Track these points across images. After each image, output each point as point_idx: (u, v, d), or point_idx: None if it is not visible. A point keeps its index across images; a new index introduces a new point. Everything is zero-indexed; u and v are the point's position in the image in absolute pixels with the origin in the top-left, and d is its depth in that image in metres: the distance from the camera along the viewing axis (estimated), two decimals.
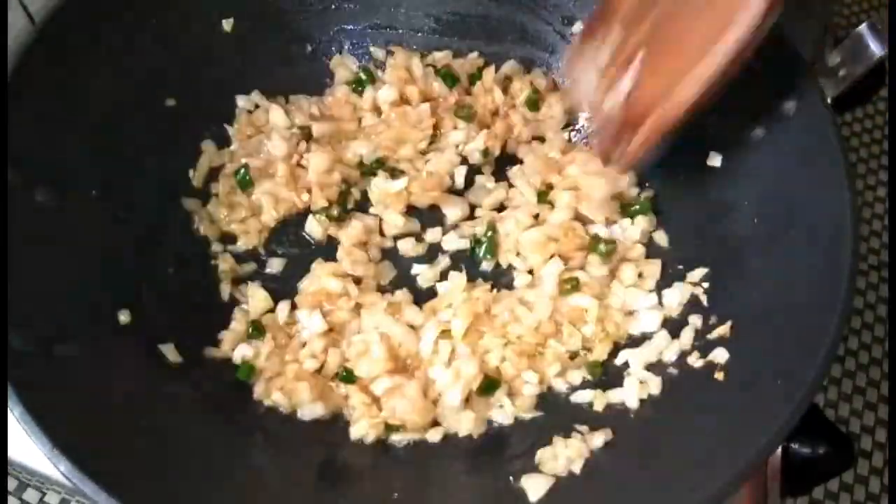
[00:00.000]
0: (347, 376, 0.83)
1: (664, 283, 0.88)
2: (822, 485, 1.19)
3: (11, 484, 1.02)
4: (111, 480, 0.62)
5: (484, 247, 0.91)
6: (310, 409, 0.81)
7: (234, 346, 0.84)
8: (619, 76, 0.77)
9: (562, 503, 0.74)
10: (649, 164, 0.88)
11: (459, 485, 0.79)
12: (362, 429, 0.80)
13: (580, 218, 0.92)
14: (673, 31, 0.73)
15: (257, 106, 0.98)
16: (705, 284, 0.84)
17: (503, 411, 0.82)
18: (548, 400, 0.84)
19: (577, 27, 0.99)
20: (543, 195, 0.93)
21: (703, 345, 0.80)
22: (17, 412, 0.62)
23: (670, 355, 0.82)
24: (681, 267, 0.88)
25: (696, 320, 0.83)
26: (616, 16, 0.78)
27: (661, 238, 0.92)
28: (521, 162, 0.98)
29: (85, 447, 0.64)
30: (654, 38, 0.75)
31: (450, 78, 0.99)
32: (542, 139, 1.00)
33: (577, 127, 1.01)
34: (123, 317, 0.79)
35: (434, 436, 0.80)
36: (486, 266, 0.92)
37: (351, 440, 0.80)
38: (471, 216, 0.95)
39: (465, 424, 0.80)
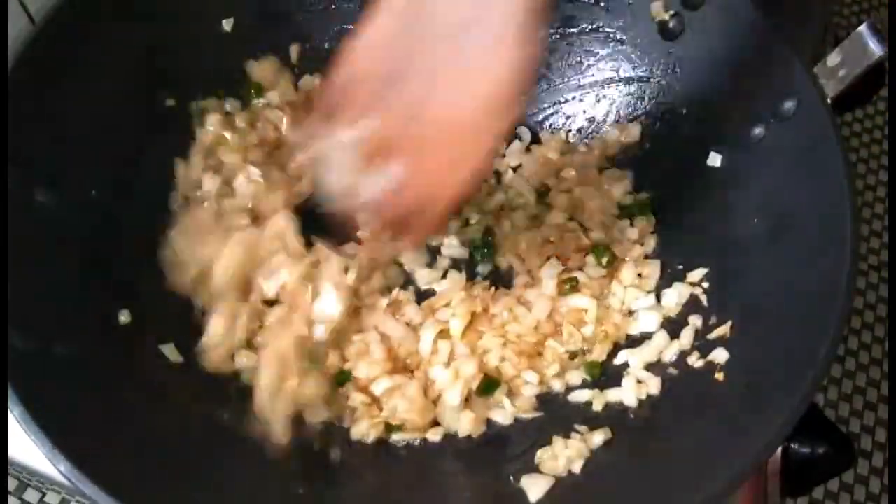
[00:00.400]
0: (344, 376, 0.82)
1: (664, 283, 0.88)
2: (822, 485, 1.19)
3: (11, 484, 1.02)
4: (111, 480, 0.62)
5: (482, 250, 0.91)
6: (316, 413, 0.81)
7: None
8: (375, 170, 0.71)
9: (561, 503, 0.74)
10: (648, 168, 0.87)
11: (459, 485, 0.79)
12: (363, 429, 0.80)
13: (578, 219, 0.92)
14: (419, 120, 0.68)
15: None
16: (705, 284, 0.84)
17: (503, 411, 0.82)
18: (547, 400, 0.84)
19: (577, 28, 0.99)
20: (542, 196, 0.94)
21: (703, 345, 0.80)
22: (17, 412, 0.62)
23: (670, 355, 0.82)
24: (681, 267, 0.88)
25: (696, 320, 0.83)
26: (359, 108, 0.71)
27: (661, 238, 0.92)
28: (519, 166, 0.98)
29: (85, 447, 0.63)
30: (409, 134, 0.69)
31: None
32: (538, 140, 1.00)
33: (576, 128, 1.01)
34: (123, 317, 0.79)
35: (434, 435, 0.80)
36: (484, 268, 0.92)
37: (351, 440, 0.80)
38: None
39: (464, 424, 0.80)
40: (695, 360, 0.80)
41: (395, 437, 0.81)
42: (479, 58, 0.64)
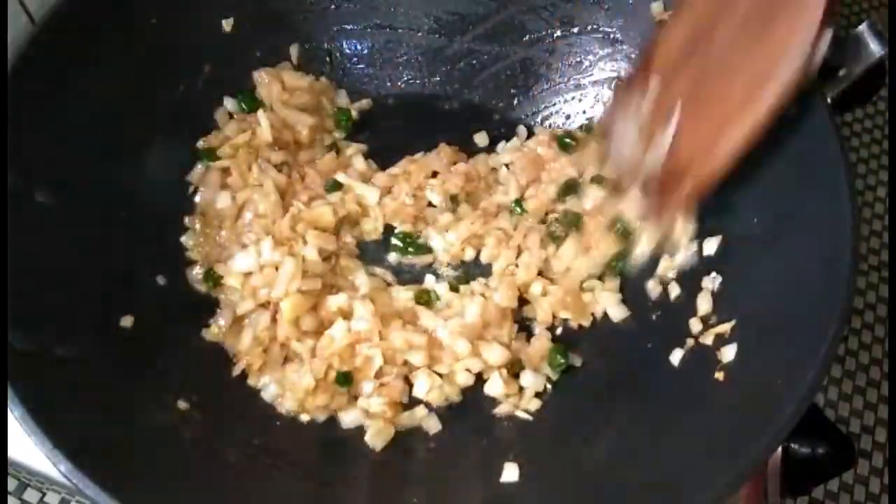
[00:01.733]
0: (344, 378, 0.83)
1: (664, 283, 0.88)
2: (822, 485, 1.19)
3: (11, 484, 1.02)
4: (111, 480, 0.62)
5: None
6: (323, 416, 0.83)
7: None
8: (659, 130, 0.76)
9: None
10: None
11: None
12: (376, 438, 0.81)
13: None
14: (713, 83, 0.73)
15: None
16: (706, 285, 0.84)
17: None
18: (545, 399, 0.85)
19: (577, 28, 0.99)
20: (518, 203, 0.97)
21: (703, 345, 0.80)
22: (17, 412, 0.62)
23: (671, 355, 0.82)
24: (681, 268, 0.88)
25: (696, 320, 0.83)
26: (653, 67, 0.77)
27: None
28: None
29: (85, 447, 0.63)
30: (693, 90, 0.74)
31: None
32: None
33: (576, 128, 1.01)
34: (125, 321, 0.79)
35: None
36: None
37: (345, 440, 0.81)
38: None
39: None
40: (695, 360, 0.80)
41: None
42: (777, 22, 0.68)
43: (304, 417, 0.82)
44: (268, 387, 0.83)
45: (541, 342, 0.88)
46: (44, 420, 0.62)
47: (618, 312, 0.89)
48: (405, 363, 0.84)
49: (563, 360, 0.86)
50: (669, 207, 0.78)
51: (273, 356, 0.84)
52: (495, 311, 0.87)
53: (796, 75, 0.68)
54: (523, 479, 0.77)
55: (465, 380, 0.84)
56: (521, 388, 0.85)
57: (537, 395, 0.85)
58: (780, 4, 0.68)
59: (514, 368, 0.86)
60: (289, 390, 0.82)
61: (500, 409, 0.84)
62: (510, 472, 0.77)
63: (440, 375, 0.84)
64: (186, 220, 0.91)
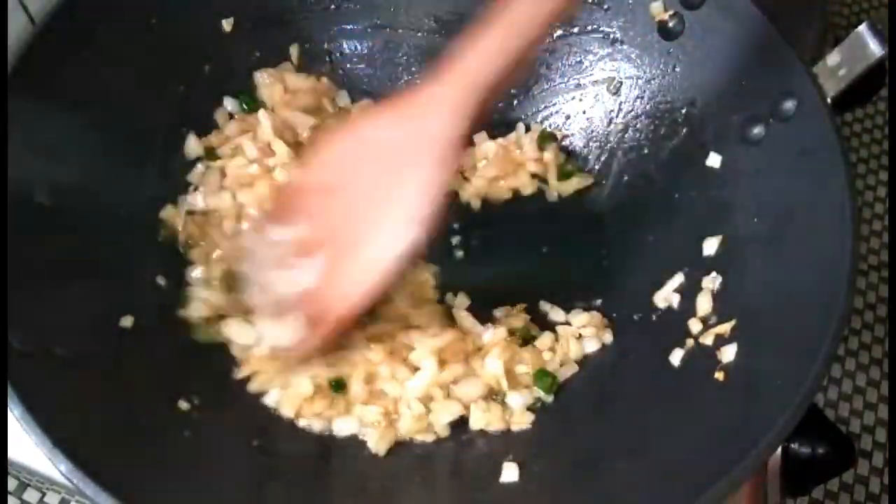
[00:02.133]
0: (338, 385, 0.83)
1: (664, 283, 0.88)
2: (822, 485, 1.19)
3: (11, 484, 1.02)
4: (111, 480, 0.62)
5: None
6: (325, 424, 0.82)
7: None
8: (296, 267, 0.80)
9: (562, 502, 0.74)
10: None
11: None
12: (380, 443, 0.80)
13: None
14: (346, 231, 0.78)
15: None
16: (706, 285, 0.84)
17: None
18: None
19: (577, 28, 0.99)
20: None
21: (703, 345, 0.80)
22: (17, 412, 0.62)
23: (671, 355, 0.82)
24: (681, 267, 0.88)
25: (696, 321, 0.83)
26: (300, 212, 0.80)
27: (660, 238, 0.92)
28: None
29: (85, 447, 0.63)
30: (328, 235, 0.79)
31: None
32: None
33: (576, 127, 1.01)
34: (125, 321, 0.79)
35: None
36: None
37: (344, 443, 0.81)
38: None
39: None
40: (695, 360, 0.80)
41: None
42: (406, 177, 0.75)
43: (303, 422, 0.82)
44: (270, 392, 0.83)
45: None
46: (44, 420, 0.62)
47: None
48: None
49: (550, 379, 0.84)
50: (312, 340, 0.80)
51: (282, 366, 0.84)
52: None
53: (409, 248, 0.75)
54: (523, 479, 0.77)
55: (447, 419, 0.82)
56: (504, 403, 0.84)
57: (529, 408, 0.84)
58: (403, 162, 0.75)
59: (495, 394, 0.85)
60: (288, 396, 0.82)
61: (493, 427, 0.82)
62: (510, 473, 0.77)
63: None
64: (186, 220, 0.90)
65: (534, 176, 1.00)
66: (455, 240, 0.96)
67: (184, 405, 0.77)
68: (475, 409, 0.82)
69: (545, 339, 0.88)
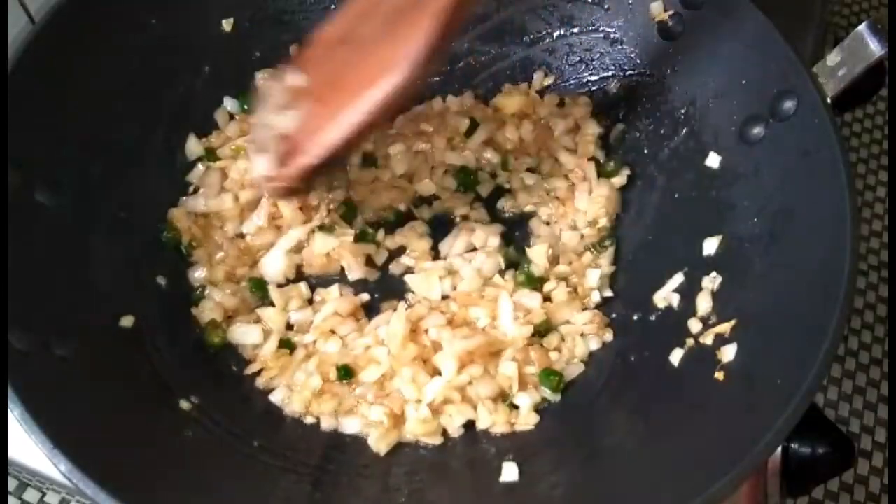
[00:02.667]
0: (346, 373, 0.83)
1: (663, 283, 0.88)
2: (822, 485, 1.19)
3: (11, 484, 1.02)
4: (111, 480, 0.62)
5: None
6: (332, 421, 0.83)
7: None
8: (290, 108, 0.84)
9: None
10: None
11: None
12: (380, 442, 0.81)
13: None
14: (337, 80, 0.82)
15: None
16: (706, 285, 0.84)
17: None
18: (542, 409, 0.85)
19: (577, 28, 0.99)
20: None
21: (703, 345, 0.80)
22: (17, 412, 0.62)
23: (670, 355, 0.82)
24: (682, 267, 0.88)
25: (695, 320, 0.83)
26: (302, 59, 0.86)
27: (660, 238, 0.92)
28: None
29: (85, 447, 0.63)
30: (323, 83, 0.83)
31: None
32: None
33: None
34: (125, 321, 0.79)
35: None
36: None
37: (349, 442, 0.81)
38: None
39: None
40: (695, 360, 0.80)
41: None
42: (402, 33, 0.77)
43: (309, 420, 0.82)
44: (277, 389, 0.84)
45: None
46: (44, 420, 0.62)
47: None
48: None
49: (557, 377, 0.84)
50: (285, 177, 0.83)
51: (293, 363, 0.85)
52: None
53: (402, 81, 0.76)
54: (523, 478, 0.77)
55: (461, 422, 0.83)
56: (514, 407, 0.84)
57: (535, 409, 0.84)
58: (403, 15, 0.77)
59: (504, 396, 0.85)
60: (296, 392, 0.83)
61: (497, 429, 0.83)
62: (510, 472, 0.77)
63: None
64: (186, 221, 0.91)
65: None
66: None
67: (185, 405, 0.77)
68: (482, 410, 0.82)
69: (552, 339, 0.88)
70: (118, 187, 0.85)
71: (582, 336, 0.88)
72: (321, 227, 0.91)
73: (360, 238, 0.92)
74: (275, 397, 0.83)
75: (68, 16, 0.81)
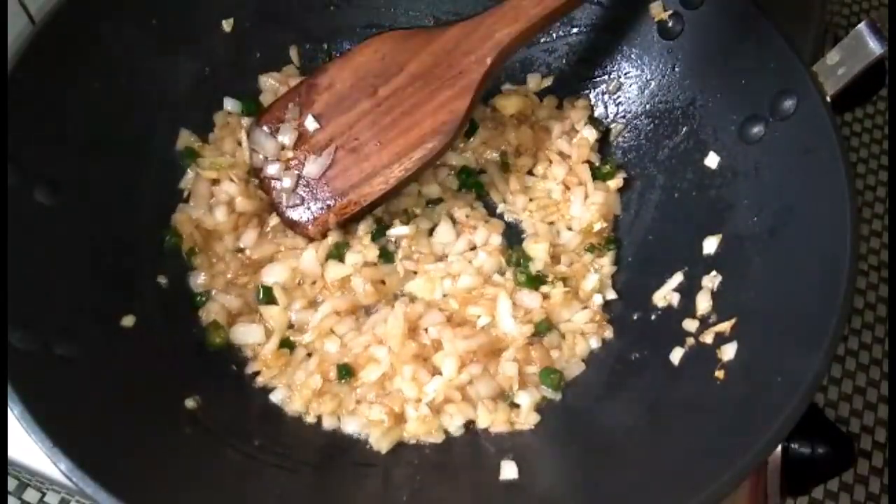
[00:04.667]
0: (346, 372, 0.83)
1: (663, 282, 0.88)
2: (822, 485, 1.19)
3: (11, 484, 1.02)
4: (111, 480, 0.62)
5: None
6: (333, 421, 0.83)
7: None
8: (304, 159, 0.91)
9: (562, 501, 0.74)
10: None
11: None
12: (382, 441, 0.81)
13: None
14: (370, 134, 0.89)
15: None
16: (705, 284, 0.84)
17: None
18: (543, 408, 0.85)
19: (577, 28, 0.99)
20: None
21: (703, 344, 0.80)
22: (17, 412, 0.62)
23: (671, 354, 0.82)
24: (682, 267, 0.88)
25: (695, 319, 0.83)
26: (309, 108, 0.91)
27: (660, 238, 0.92)
28: None
29: (85, 447, 0.63)
30: (347, 134, 0.90)
31: None
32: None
33: None
34: (126, 321, 0.79)
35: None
36: None
37: (348, 441, 0.81)
38: None
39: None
40: (695, 360, 0.80)
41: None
42: (439, 102, 0.86)
43: (310, 419, 0.82)
44: (277, 389, 0.84)
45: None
46: (44, 419, 0.62)
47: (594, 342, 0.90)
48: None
49: (558, 375, 0.84)
50: (321, 224, 0.90)
51: (293, 362, 0.85)
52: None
53: (441, 146, 0.86)
54: (523, 477, 0.77)
55: (461, 422, 0.82)
56: (515, 406, 0.84)
57: (536, 409, 0.84)
58: (439, 82, 0.86)
59: (504, 395, 0.85)
60: (296, 391, 0.83)
61: (497, 428, 0.83)
62: (509, 470, 0.77)
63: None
64: (189, 226, 0.90)
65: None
66: None
67: (186, 404, 0.77)
68: (482, 410, 0.82)
69: (552, 338, 0.88)
70: (118, 187, 0.85)
71: (582, 335, 0.88)
72: (336, 247, 0.90)
73: (382, 256, 0.91)
74: (275, 397, 0.83)
75: (68, 16, 0.81)
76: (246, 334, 0.86)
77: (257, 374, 0.85)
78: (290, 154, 0.91)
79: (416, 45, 0.87)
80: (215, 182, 0.92)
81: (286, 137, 0.91)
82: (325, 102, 0.90)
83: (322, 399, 0.82)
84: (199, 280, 0.88)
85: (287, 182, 0.91)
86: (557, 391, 0.85)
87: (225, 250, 0.90)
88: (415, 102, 0.86)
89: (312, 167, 0.90)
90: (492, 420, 0.82)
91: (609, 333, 0.89)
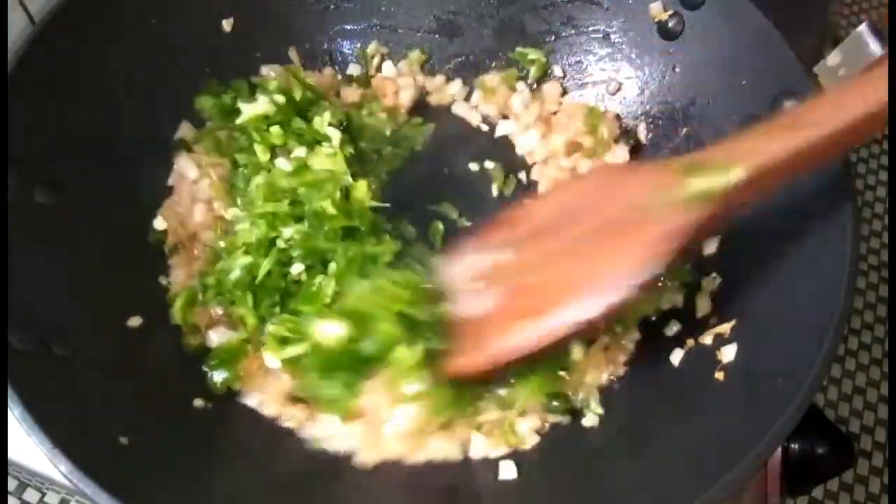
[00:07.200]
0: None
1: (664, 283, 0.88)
2: (822, 485, 1.19)
3: (11, 484, 1.02)
4: (111, 480, 0.62)
5: None
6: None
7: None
8: (486, 289, 0.76)
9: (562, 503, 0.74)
10: None
11: None
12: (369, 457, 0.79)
13: None
14: (542, 276, 0.73)
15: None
16: (705, 285, 0.84)
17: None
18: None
19: (577, 28, 0.99)
20: None
21: (703, 345, 0.80)
22: (17, 412, 0.62)
23: (671, 355, 0.82)
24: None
25: (696, 320, 0.83)
26: (511, 238, 0.78)
27: None
28: None
29: (85, 447, 0.63)
30: (524, 271, 0.75)
31: None
32: None
33: None
34: (133, 321, 0.79)
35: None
36: None
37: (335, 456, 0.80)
38: None
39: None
40: (695, 360, 0.80)
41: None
42: (622, 255, 0.69)
43: (302, 433, 0.80)
44: (250, 394, 0.81)
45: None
46: (44, 420, 0.62)
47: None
48: None
49: (555, 387, 0.80)
50: (470, 364, 0.75)
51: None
52: None
53: (619, 301, 0.68)
54: (521, 477, 0.77)
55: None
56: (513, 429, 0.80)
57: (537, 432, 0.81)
58: (628, 228, 0.70)
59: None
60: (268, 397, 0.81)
61: (496, 453, 0.79)
62: (507, 470, 0.77)
63: None
64: (174, 222, 0.88)
65: None
66: None
67: (188, 406, 0.77)
68: (476, 438, 0.79)
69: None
70: (118, 187, 0.85)
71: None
72: None
73: None
74: (249, 400, 0.81)
75: (68, 16, 0.81)
76: (220, 337, 0.83)
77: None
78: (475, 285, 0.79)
79: (623, 181, 0.75)
80: (195, 182, 0.91)
81: (481, 261, 0.79)
82: (510, 234, 0.79)
83: (296, 407, 0.80)
84: (172, 278, 0.86)
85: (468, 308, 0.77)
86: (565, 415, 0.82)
87: (202, 247, 0.88)
88: (597, 245, 0.72)
89: (484, 299, 0.76)
90: (492, 444, 0.79)
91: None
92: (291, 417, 0.81)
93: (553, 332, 0.70)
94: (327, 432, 0.80)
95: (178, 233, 0.88)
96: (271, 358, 0.81)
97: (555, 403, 0.81)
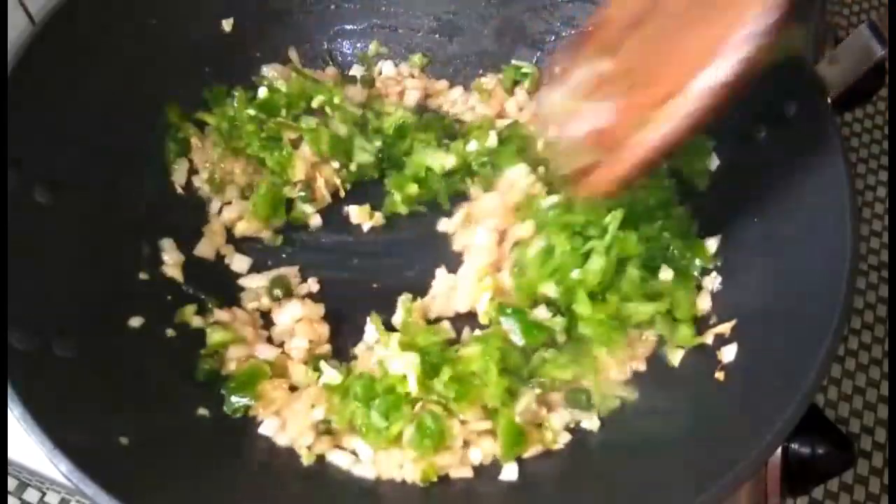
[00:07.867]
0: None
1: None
2: (822, 485, 1.19)
3: (11, 484, 1.03)
4: (111, 480, 0.62)
5: None
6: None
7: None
8: (594, 103, 0.74)
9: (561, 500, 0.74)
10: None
11: None
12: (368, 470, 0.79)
13: None
14: (654, 63, 0.70)
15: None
16: (706, 285, 0.84)
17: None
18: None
19: (577, 28, 0.99)
20: None
21: (703, 345, 0.80)
22: (17, 412, 0.62)
23: (671, 355, 0.82)
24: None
25: (696, 320, 0.83)
26: (600, 44, 0.75)
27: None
28: None
29: (85, 447, 0.63)
30: (634, 69, 0.72)
31: None
32: None
33: None
34: (134, 321, 0.79)
35: None
36: None
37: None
38: None
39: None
40: (695, 360, 0.80)
41: None
42: (734, 7, 0.63)
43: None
44: (266, 422, 0.80)
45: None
46: (44, 420, 0.62)
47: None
48: None
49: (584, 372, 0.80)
50: (596, 177, 0.74)
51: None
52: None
53: (738, 63, 0.64)
54: (522, 478, 0.77)
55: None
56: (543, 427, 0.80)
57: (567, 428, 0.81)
58: None
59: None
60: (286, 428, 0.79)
61: (529, 454, 0.79)
62: (509, 471, 0.77)
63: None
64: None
65: None
66: None
67: (188, 406, 0.77)
68: (486, 443, 0.78)
69: None
70: (118, 187, 0.85)
71: None
72: None
73: None
74: (264, 429, 0.79)
75: (68, 16, 0.81)
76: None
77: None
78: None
79: None
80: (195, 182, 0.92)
81: (577, 79, 0.77)
82: (603, 38, 0.75)
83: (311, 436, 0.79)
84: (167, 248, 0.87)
85: (577, 129, 0.75)
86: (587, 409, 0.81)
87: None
88: (699, 14, 0.67)
89: (597, 112, 0.72)
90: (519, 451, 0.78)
91: None
92: (311, 446, 0.78)
93: (696, 103, 0.66)
94: (349, 460, 0.78)
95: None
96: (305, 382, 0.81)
97: (582, 398, 0.80)
